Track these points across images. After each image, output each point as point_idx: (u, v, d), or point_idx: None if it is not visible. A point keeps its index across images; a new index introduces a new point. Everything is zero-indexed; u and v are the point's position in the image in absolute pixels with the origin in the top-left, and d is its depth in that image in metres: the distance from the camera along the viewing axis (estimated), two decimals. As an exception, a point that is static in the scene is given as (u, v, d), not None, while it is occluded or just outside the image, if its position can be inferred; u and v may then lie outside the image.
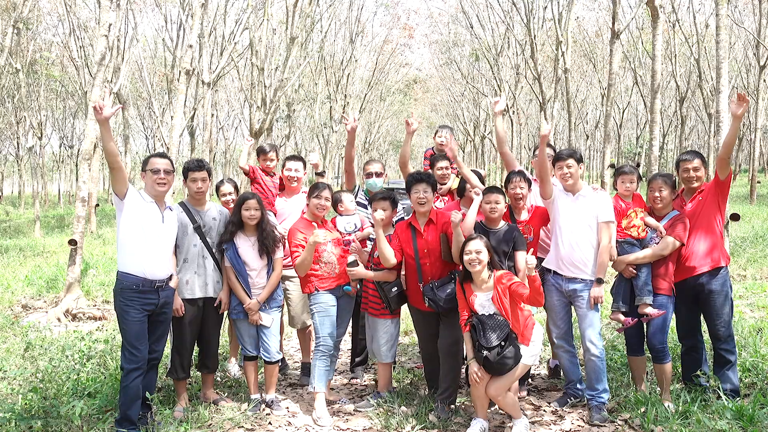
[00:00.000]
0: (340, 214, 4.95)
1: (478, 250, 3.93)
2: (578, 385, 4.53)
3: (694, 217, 4.37)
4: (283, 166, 5.38)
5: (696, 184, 4.41)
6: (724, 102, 7.61)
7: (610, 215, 4.37)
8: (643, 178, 5.54)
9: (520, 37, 22.11)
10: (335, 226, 4.84)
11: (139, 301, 3.93)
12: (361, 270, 4.52)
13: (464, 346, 4.50)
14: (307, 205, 4.70)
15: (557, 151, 4.61)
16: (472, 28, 24.77)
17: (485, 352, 3.85)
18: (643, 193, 4.65)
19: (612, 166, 5.15)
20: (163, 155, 4.20)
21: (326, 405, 4.55)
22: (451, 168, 5.33)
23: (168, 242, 4.16)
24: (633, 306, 4.42)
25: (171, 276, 4.15)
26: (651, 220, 4.46)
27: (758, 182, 22.95)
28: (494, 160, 35.53)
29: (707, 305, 4.37)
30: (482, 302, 4.01)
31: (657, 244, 4.37)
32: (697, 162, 4.39)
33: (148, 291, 3.97)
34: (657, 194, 4.41)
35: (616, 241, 4.45)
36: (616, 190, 4.64)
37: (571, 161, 4.40)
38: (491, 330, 3.90)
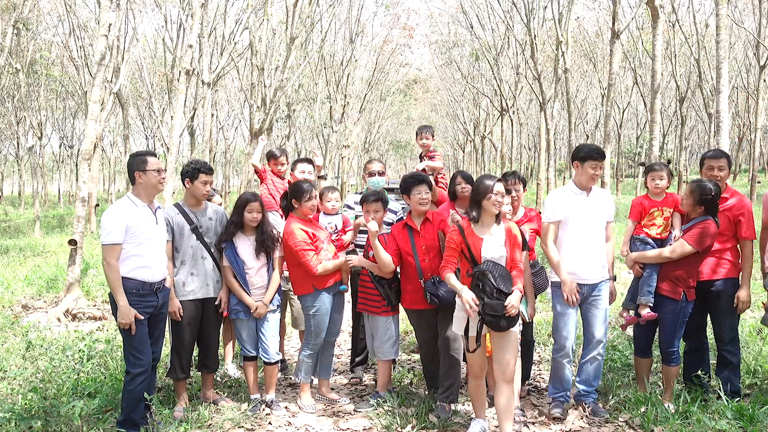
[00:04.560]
0: (326, 213, 4.94)
1: (502, 192, 3.81)
2: (567, 393, 4.42)
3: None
4: (293, 168, 5.39)
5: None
6: (724, 102, 7.62)
7: (613, 214, 4.43)
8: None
9: (520, 37, 22.13)
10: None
11: (141, 304, 3.90)
12: (360, 259, 4.57)
13: (464, 343, 4.48)
14: (297, 208, 4.60)
15: (587, 150, 4.28)
16: (472, 28, 24.80)
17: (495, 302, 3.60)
18: (642, 192, 4.63)
19: (642, 164, 5.11)
20: (155, 154, 4.13)
21: (326, 405, 4.61)
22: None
23: (163, 242, 4.12)
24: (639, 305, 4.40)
25: (166, 277, 4.13)
26: (676, 221, 4.37)
27: (758, 182, 22.94)
28: (494, 160, 35.54)
29: (715, 306, 4.34)
30: (492, 246, 3.80)
31: (671, 245, 4.28)
32: (723, 162, 4.32)
33: (148, 294, 3.95)
34: (683, 198, 4.29)
35: (632, 237, 4.45)
36: (647, 188, 4.54)
37: (603, 163, 4.33)
38: (501, 279, 3.66)
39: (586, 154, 4.25)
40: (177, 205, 4.48)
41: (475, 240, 3.81)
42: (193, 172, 4.37)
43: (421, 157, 5.84)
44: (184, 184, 4.46)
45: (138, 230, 3.90)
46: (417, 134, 5.92)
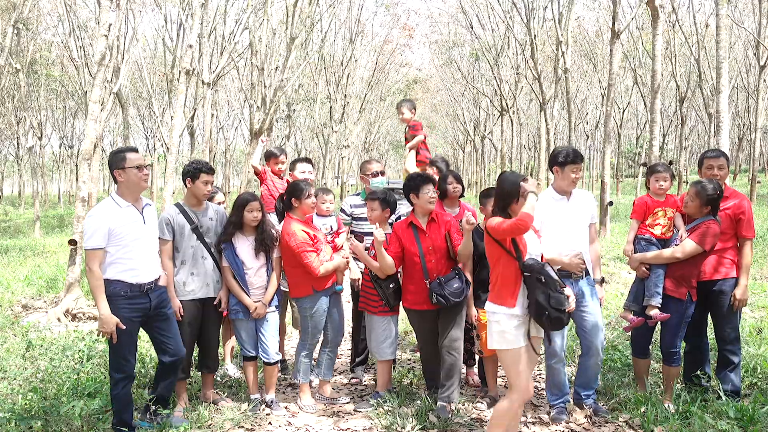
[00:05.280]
0: (320, 214, 4.94)
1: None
2: (567, 396, 4.39)
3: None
4: (291, 168, 5.39)
5: None
6: (724, 102, 7.62)
7: (596, 216, 4.45)
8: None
9: (520, 37, 22.14)
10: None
11: (129, 308, 3.82)
12: (361, 249, 4.57)
13: (464, 343, 4.48)
14: (296, 207, 4.60)
15: (566, 154, 4.19)
16: (472, 28, 24.83)
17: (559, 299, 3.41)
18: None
19: (644, 164, 5.12)
20: (136, 149, 4.00)
21: (326, 405, 4.63)
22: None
23: (152, 242, 4.03)
24: (644, 306, 4.36)
25: (159, 277, 4.06)
26: (679, 222, 4.35)
27: (758, 182, 22.94)
28: (494, 160, 35.53)
29: (716, 306, 4.34)
30: (532, 243, 3.62)
31: (677, 245, 4.26)
32: (722, 161, 4.34)
33: (137, 296, 3.86)
34: (687, 201, 4.25)
35: (635, 237, 4.43)
36: (648, 188, 4.54)
37: (581, 164, 4.25)
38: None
39: (566, 159, 4.15)
40: (178, 205, 4.47)
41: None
42: (194, 171, 4.36)
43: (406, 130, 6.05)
44: (185, 184, 4.45)
45: (122, 232, 3.78)
46: (397, 107, 6.06)
